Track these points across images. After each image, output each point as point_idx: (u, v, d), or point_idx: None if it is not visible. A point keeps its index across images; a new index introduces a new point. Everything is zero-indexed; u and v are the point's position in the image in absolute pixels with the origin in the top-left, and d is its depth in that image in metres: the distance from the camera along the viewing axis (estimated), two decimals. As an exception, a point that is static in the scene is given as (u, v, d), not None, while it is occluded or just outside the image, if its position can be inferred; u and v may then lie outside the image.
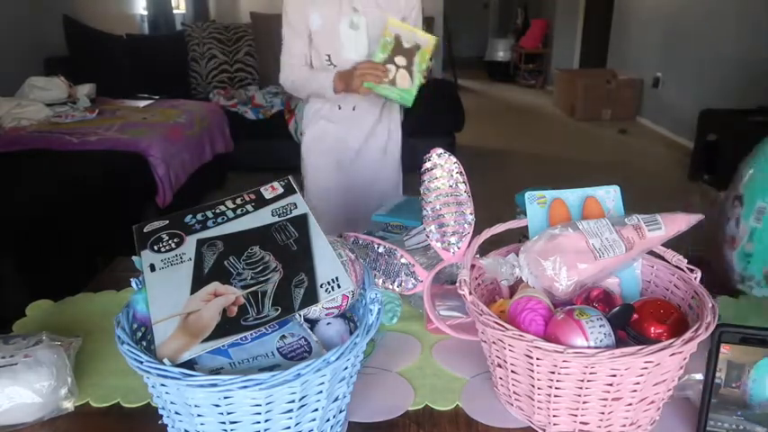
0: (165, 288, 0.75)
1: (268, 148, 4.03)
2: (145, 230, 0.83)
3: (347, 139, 1.88)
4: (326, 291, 0.74)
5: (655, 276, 0.93)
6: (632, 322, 0.79)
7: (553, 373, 0.73)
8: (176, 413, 0.70)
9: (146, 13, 5.25)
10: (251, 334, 0.72)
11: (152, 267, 0.78)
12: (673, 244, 0.90)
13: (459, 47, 8.53)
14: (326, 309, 0.82)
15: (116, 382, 0.90)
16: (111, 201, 2.54)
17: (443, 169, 0.99)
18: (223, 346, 0.70)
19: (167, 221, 0.84)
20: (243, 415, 0.66)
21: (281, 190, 0.87)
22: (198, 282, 0.75)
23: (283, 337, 0.75)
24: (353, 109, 1.84)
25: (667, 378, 0.75)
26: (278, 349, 0.73)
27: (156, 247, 0.80)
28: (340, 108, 1.83)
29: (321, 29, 1.70)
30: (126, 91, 3.96)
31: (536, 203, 0.98)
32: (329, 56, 1.73)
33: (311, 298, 0.74)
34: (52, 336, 0.90)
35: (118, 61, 4.23)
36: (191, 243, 0.80)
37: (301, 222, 0.82)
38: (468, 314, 1.00)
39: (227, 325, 0.71)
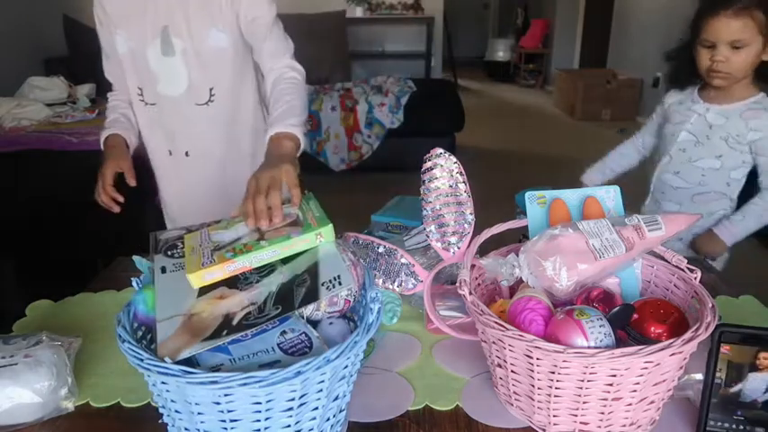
0: (172, 289, 0.76)
1: (268, 147, 4.03)
2: (161, 237, 0.87)
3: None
4: (327, 288, 0.74)
5: (655, 276, 0.93)
6: (632, 322, 0.79)
7: (553, 373, 0.73)
8: (176, 411, 0.70)
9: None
10: (251, 330, 0.72)
11: (163, 269, 0.79)
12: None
13: (459, 47, 8.53)
14: (328, 313, 0.83)
15: (116, 382, 0.90)
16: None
17: (443, 169, 0.99)
18: (223, 343, 0.70)
19: (184, 232, 0.86)
20: (243, 413, 0.66)
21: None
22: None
23: (284, 332, 0.75)
24: (186, 155, 1.46)
25: (667, 378, 0.75)
26: (278, 345, 0.73)
27: (169, 253, 0.82)
28: (171, 154, 1.48)
29: (128, 54, 1.35)
30: (126, 91, 3.96)
31: (536, 203, 0.98)
32: (141, 89, 1.39)
33: (312, 295, 0.74)
34: (52, 336, 0.90)
35: (118, 61, 4.22)
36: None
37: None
38: (468, 314, 1.00)
39: (229, 324, 0.71)
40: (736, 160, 1.45)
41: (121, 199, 1.35)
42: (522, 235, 1.08)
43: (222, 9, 1.29)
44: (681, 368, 0.75)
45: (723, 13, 1.33)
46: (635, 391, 0.73)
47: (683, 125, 1.50)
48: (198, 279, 0.75)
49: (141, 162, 2.85)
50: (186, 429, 0.71)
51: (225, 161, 1.46)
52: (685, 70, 1.49)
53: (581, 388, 0.73)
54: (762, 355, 0.73)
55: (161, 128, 1.45)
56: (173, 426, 0.73)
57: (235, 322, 0.71)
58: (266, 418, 0.67)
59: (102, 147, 1.42)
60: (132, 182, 1.33)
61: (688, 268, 0.86)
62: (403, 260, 1.02)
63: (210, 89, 1.38)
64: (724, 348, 0.74)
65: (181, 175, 1.50)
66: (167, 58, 1.32)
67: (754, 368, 0.74)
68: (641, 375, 0.71)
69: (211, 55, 1.34)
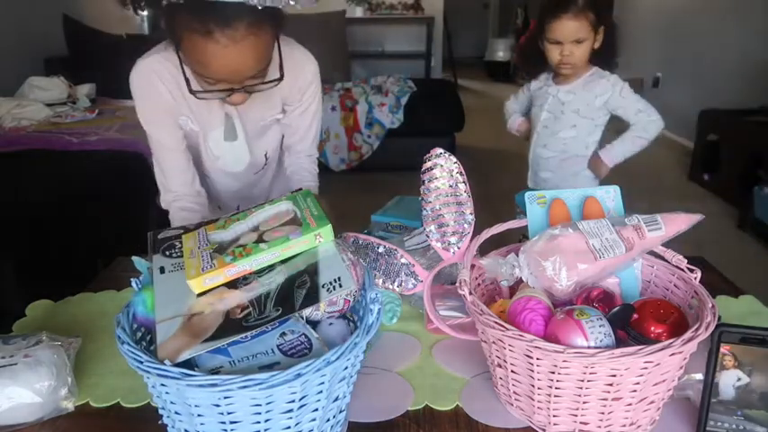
0: (172, 290, 0.76)
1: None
2: (159, 237, 0.86)
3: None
4: (328, 290, 0.74)
5: (655, 276, 0.93)
6: (632, 322, 0.79)
7: (553, 373, 0.73)
8: (176, 413, 0.70)
9: (146, 13, 5.25)
10: (251, 332, 0.72)
11: (161, 270, 0.79)
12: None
13: (459, 47, 8.52)
14: (328, 312, 0.83)
15: (116, 382, 0.90)
16: (110, 201, 2.54)
17: (443, 169, 0.99)
18: (223, 345, 0.70)
19: (182, 231, 0.86)
20: (243, 415, 0.66)
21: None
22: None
23: (283, 334, 0.75)
24: (237, 208, 1.47)
25: (667, 378, 0.75)
26: (278, 346, 0.73)
27: (168, 253, 0.82)
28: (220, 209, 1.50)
29: (191, 133, 1.28)
30: (126, 91, 3.95)
31: (536, 203, 0.98)
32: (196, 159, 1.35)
33: (312, 298, 0.74)
34: (52, 336, 0.90)
35: (118, 61, 4.21)
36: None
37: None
38: (468, 314, 1.00)
39: (229, 326, 0.71)
40: (588, 126, 1.80)
41: None
42: (522, 235, 1.08)
43: (282, 95, 1.29)
44: (681, 368, 0.75)
45: (564, 16, 1.63)
46: (635, 391, 0.73)
47: (543, 107, 1.85)
48: (198, 284, 0.75)
49: (141, 162, 2.86)
50: (186, 431, 0.71)
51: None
52: (535, 62, 1.82)
53: (581, 388, 0.73)
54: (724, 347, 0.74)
55: (213, 192, 1.45)
56: (173, 427, 0.73)
57: (235, 323, 0.71)
58: (266, 420, 0.67)
59: None
60: None
61: (688, 268, 0.85)
62: (403, 260, 1.02)
63: (265, 154, 1.40)
64: (724, 348, 0.74)
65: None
66: (229, 142, 1.30)
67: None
68: (641, 375, 0.71)
69: (267, 127, 1.35)
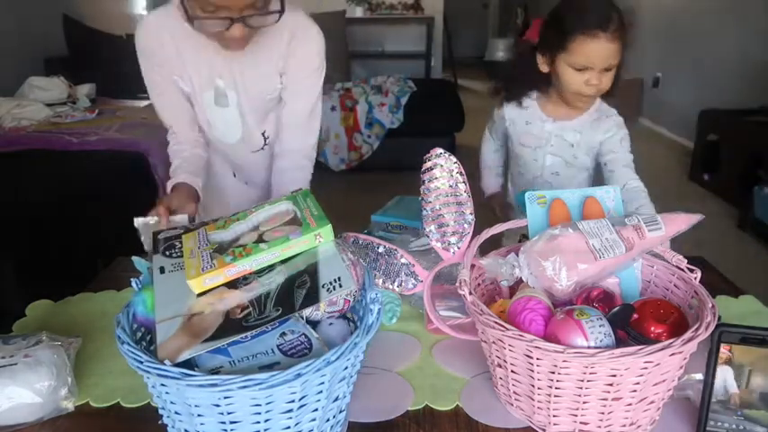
0: (172, 290, 0.76)
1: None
2: (159, 237, 0.86)
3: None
4: (328, 290, 0.74)
5: (655, 276, 0.93)
6: (632, 322, 0.79)
7: (553, 373, 0.73)
8: (176, 413, 0.70)
9: (146, 13, 5.25)
10: (251, 332, 0.72)
11: (161, 270, 0.79)
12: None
13: (459, 47, 8.52)
14: (328, 312, 0.83)
15: (116, 382, 0.90)
16: (110, 201, 2.54)
17: (443, 169, 0.99)
18: (223, 345, 0.70)
19: (182, 231, 0.86)
20: (243, 415, 0.66)
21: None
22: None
23: (283, 334, 0.75)
24: (245, 183, 1.53)
25: (667, 378, 0.75)
26: (278, 346, 0.73)
27: (168, 253, 0.82)
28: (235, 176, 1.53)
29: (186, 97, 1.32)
30: (126, 91, 3.96)
31: (536, 203, 0.98)
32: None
33: (313, 298, 0.74)
34: (52, 336, 0.90)
35: (118, 61, 4.22)
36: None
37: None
38: (468, 314, 1.00)
39: (229, 326, 0.71)
40: (590, 170, 1.46)
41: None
42: (522, 235, 1.08)
43: (277, 66, 1.29)
44: (681, 368, 0.75)
45: (603, 36, 1.22)
46: (635, 391, 0.73)
47: (544, 149, 1.43)
48: (198, 284, 0.75)
49: (141, 162, 2.85)
50: (186, 431, 0.71)
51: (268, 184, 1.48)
52: (526, 83, 1.42)
53: (581, 388, 0.73)
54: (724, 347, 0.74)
55: (221, 157, 1.48)
56: (173, 427, 0.73)
57: (235, 323, 0.71)
58: (266, 420, 0.67)
59: (168, 191, 1.27)
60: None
61: (688, 268, 0.85)
62: (403, 260, 1.02)
63: (263, 133, 1.40)
64: (724, 348, 0.74)
65: (234, 194, 1.54)
66: (221, 108, 1.31)
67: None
68: (641, 375, 0.71)
69: (264, 104, 1.35)
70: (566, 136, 1.41)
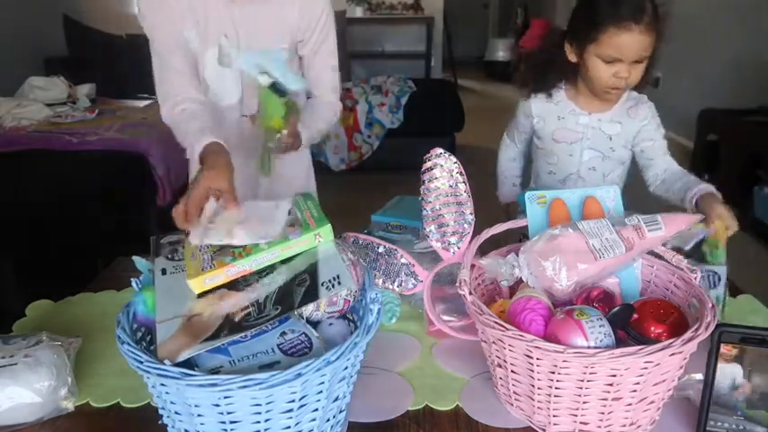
0: (172, 291, 0.76)
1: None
2: (162, 241, 0.86)
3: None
4: (327, 288, 0.74)
5: (655, 276, 0.93)
6: (632, 322, 0.79)
7: (553, 373, 0.73)
8: (176, 413, 0.70)
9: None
10: (251, 331, 0.72)
11: (163, 271, 0.79)
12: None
13: (459, 47, 8.52)
14: (328, 312, 0.83)
15: (116, 382, 0.90)
16: (110, 201, 2.54)
17: (443, 169, 0.99)
18: (222, 344, 0.70)
19: (185, 235, 0.86)
20: (243, 415, 0.66)
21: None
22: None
23: (283, 333, 0.75)
24: None
25: (667, 378, 0.75)
26: (278, 345, 0.73)
27: (170, 256, 0.82)
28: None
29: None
30: (126, 91, 3.96)
31: (536, 203, 0.98)
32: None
33: (312, 295, 0.74)
34: (52, 336, 0.90)
35: (118, 61, 4.23)
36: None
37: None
38: (466, 317, 1.00)
39: (229, 326, 0.71)
40: (628, 162, 1.42)
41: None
42: (522, 235, 1.08)
43: (290, 29, 1.28)
44: (681, 368, 0.75)
45: (636, 27, 1.16)
46: (635, 391, 0.73)
47: (581, 143, 1.38)
48: (198, 284, 0.75)
49: (141, 162, 2.85)
50: (186, 431, 0.71)
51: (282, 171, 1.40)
52: (554, 72, 1.36)
53: (581, 388, 0.73)
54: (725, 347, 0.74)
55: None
56: (173, 427, 0.73)
57: (234, 323, 0.71)
58: (266, 420, 0.67)
59: (195, 158, 1.09)
60: (233, 204, 0.94)
61: (688, 268, 0.86)
62: (403, 260, 1.02)
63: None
64: (724, 348, 0.74)
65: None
66: (223, 68, 1.27)
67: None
68: (641, 375, 0.71)
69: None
70: (603, 128, 1.36)
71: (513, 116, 1.50)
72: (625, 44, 1.18)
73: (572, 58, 1.30)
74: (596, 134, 1.36)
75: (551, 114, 1.39)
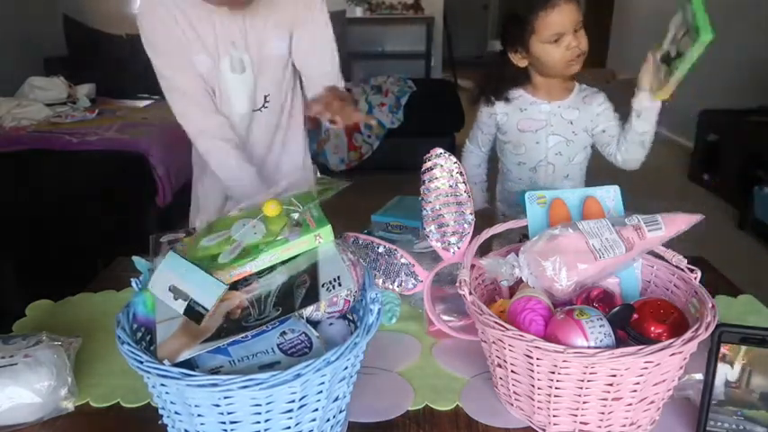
0: None
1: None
2: (161, 240, 0.86)
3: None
4: (327, 289, 0.74)
5: (655, 276, 0.93)
6: (632, 322, 0.79)
7: (553, 373, 0.73)
8: (176, 413, 0.70)
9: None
10: (251, 332, 0.72)
11: None
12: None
13: (459, 47, 8.51)
14: (328, 313, 0.83)
15: (116, 382, 0.90)
16: (110, 201, 2.54)
17: (443, 169, 0.99)
18: (222, 344, 0.70)
19: (183, 235, 0.86)
20: (243, 415, 0.66)
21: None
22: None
23: (283, 333, 0.75)
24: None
25: (667, 378, 0.75)
26: (278, 345, 0.73)
27: None
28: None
29: (205, 74, 1.31)
30: (126, 91, 3.97)
31: (536, 203, 0.98)
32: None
33: (312, 297, 0.74)
34: (52, 336, 0.90)
35: (118, 61, 4.23)
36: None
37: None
38: (465, 317, 1.00)
39: (229, 326, 0.71)
40: (589, 147, 1.51)
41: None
42: (522, 235, 1.08)
43: (288, 16, 1.31)
44: (681, 368, 0.75)
45: (561, 1, 1.31)
46: (635, 391, 0.73)
47: (546, 129, 1.46)
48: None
49: (141, 162, 2.85)
50: (186, 431, 0.71)
51: (278, 166, 1.47)
52: (507, 83, 1.47)
53: (581, 388, 0.73)
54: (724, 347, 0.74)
55: None
56: (173, 427, 0.73)
57: (234, 323, 0.71)
58: (266, 420, 0.67)
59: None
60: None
61: (688, 268, 0.86)
62: (403, 260, 1.02)
63: (265, 96, 1.40)
64: (724, 348, 0.74)
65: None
66: (236, 75, 1.31)
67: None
68: (641, 375, 0.71)
69: (271, 63, 1.35)
70: (564, 114, 1.46)
71: (475, 122, 1.59)
72: (559, 18, 1.32)
73: (521, 62, 1.41)
74: (558, 120, 1.46)
75: (514, 108, 1.49)
